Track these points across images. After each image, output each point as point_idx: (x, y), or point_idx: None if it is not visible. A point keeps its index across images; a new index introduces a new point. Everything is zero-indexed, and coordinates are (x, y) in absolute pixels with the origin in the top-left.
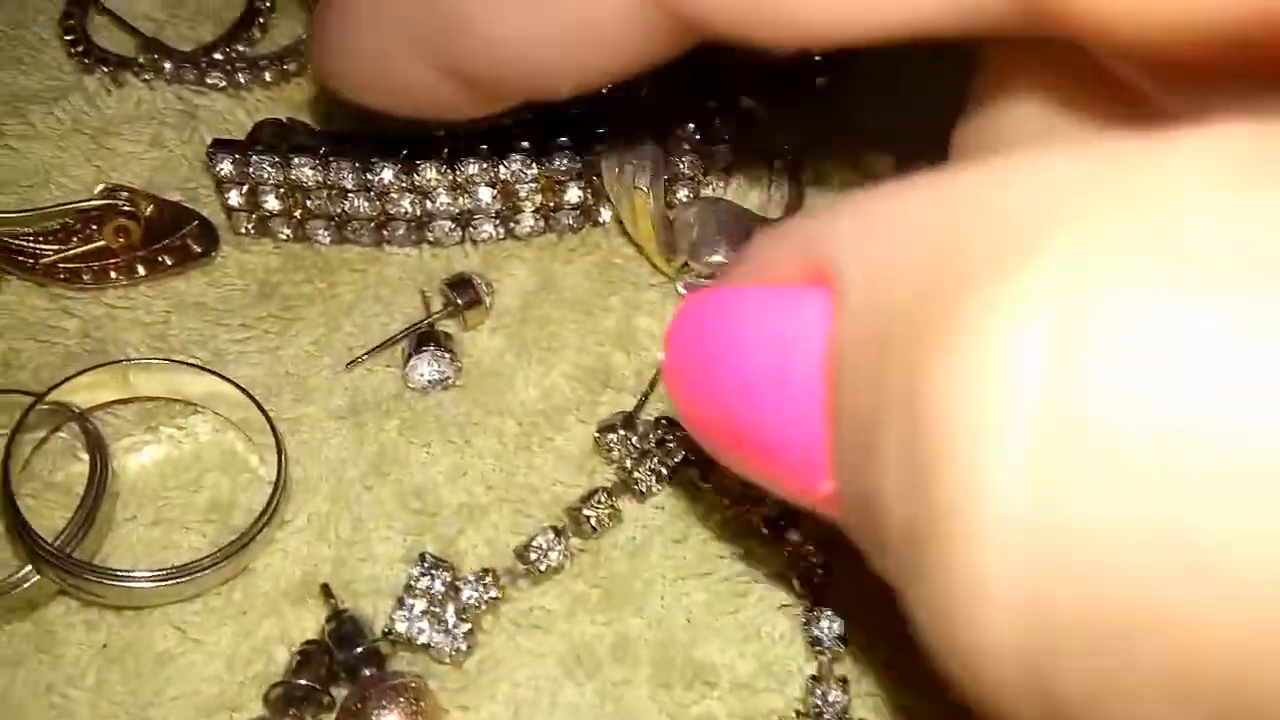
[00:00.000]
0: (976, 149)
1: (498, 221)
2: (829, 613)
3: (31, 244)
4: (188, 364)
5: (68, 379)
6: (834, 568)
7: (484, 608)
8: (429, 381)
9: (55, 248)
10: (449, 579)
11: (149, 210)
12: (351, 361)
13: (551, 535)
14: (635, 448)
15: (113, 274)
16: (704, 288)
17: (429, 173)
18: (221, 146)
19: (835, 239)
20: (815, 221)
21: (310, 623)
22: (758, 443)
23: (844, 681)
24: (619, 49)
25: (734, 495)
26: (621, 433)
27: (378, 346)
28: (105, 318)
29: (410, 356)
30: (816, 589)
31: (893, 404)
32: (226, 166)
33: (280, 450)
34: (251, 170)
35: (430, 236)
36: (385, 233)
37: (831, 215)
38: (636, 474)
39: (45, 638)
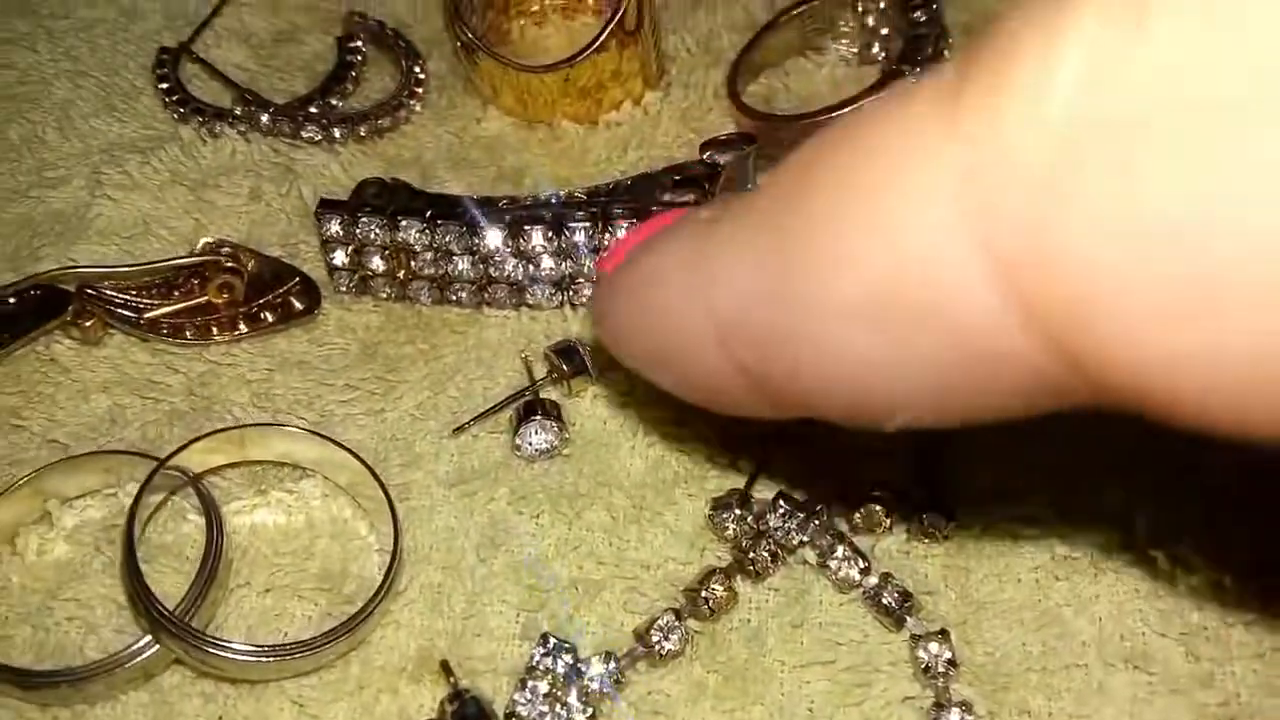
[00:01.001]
0: None
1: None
2: (959, 704)
3: (135, 298)
4: (305, 430)
5: (188, 444)
6: (957, 657)
7: (607, 691)
8: (537, 450)
9: (158, 303)
10: (571, 661)
11: (251, 266)
12: (458, 428)
13: (672, 618)
14: (751, 527)
15: (215, 330)
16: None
17: (535, 238)
18: (329, 207)
19: None
20: None
21: (427, 699)
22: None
23: None
24: (989, 396)
25: (849, 585)
26: (737, 512)
27: (484, 413)
28: (209, 375)
29: (519, 425)
30: (940, 682)
31: None
32: (335, 227)
33: (395, 521)
34: (359, 231)
35: (530, 300)
36: (486, 295)
37: None
38: (752, 554)
39: (162, 709)
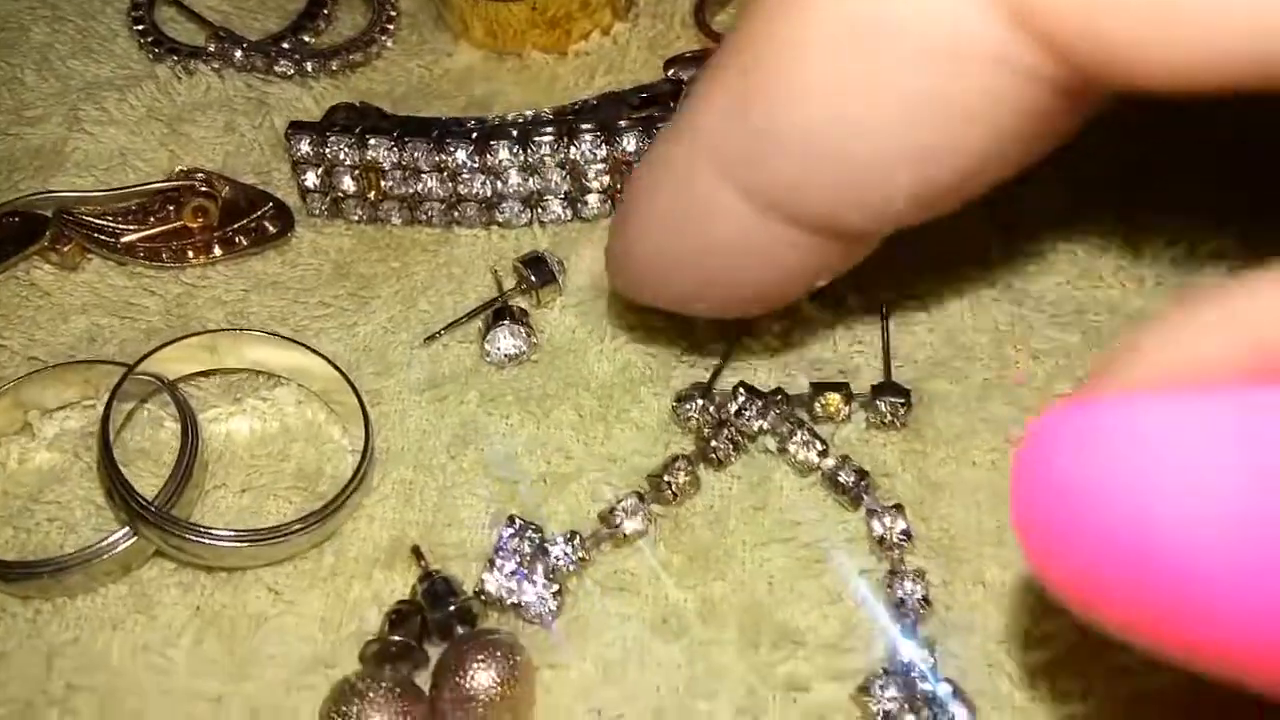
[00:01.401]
0: None
1: (565, 203)
2: (911, 575)
3: (111, 224)
4: (275, 335)
5: (159, 348)
6: (912, 531)
7: (571, 569)
8: (506, 356)
9: (134, 227)
10: (538, 540)
11: (225, 192)
12: (430, 336)
13: (634, 500)
14: (713, 416)
15: (190, 254)
16: (1073, 401)
17: (501, 153)
18: (299, 128)
19: None
20: (1271, 296)
21: (400, 585)
22: (1234, 615)
23: (929, 641)
24: (981, 126)
25: (807, 468)
26: (699, 402)
27: (456, 321)
28: (185, 295)
29: (488, 330)
30: (896, 553)
31: None
32: (304, 147)
33: (366, 418)
34: (329, 151)
35: (500, 217)
36: (456, 213)
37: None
38: (714, 443)
39: (141, 600)
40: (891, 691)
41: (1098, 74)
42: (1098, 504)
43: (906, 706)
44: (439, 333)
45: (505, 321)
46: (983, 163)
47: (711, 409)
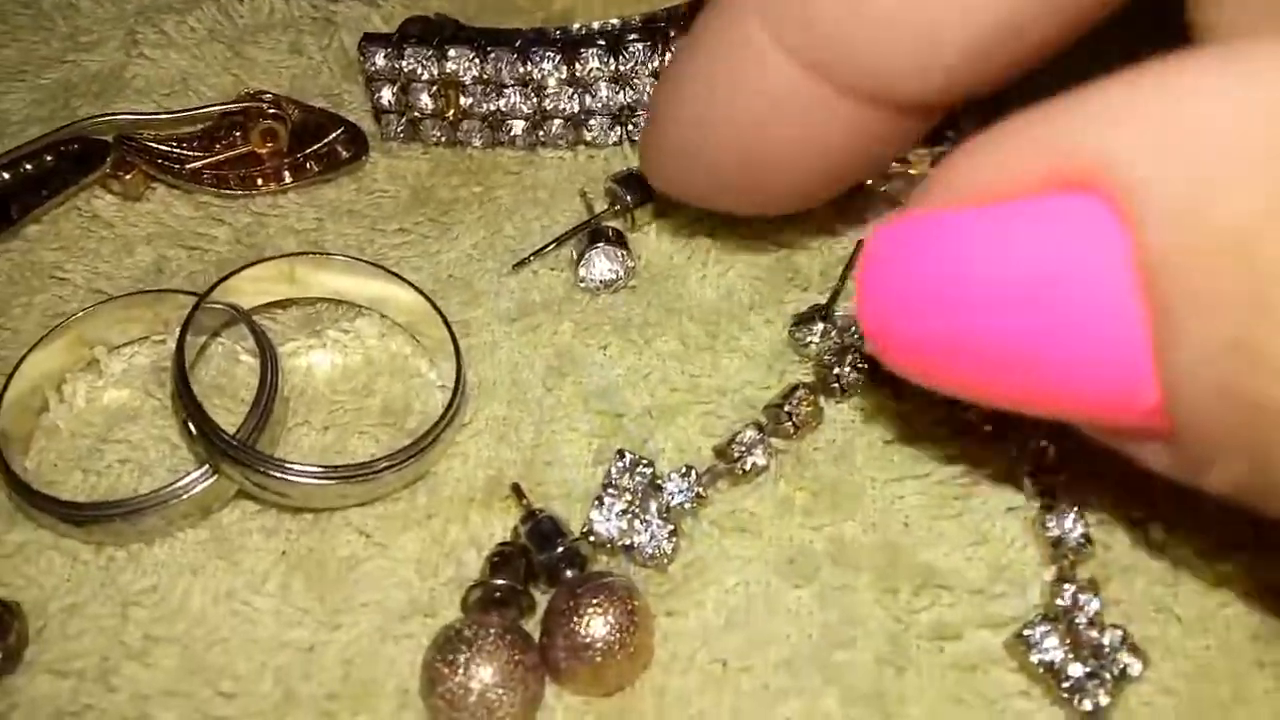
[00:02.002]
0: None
1: None
2: (1070, 513)
3: (176, 150)
4: (360, 260)
5: (232, 274)
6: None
7: (688, 508)
8: (602, 281)
9: (200, 154)
10: (649, 475)
11: (294, 115)
12: (519, 263)
13: (753, 432)
14: (835, 342)
15: (259, 181)
16: (904, 213)
17: (591, 62)
18: (373, 40)
19: (1108, 142)
20: (1059, 123)
21: (499, 527)
22: (1032, 372)
23: (1093, 583)
24: None
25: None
26: (820, 326)
27: (547, 245)
28: (255, 225)
29: (582, 255)
30: (1050, 488)
31: None
32: (379, 60)
33: (457, 349)
34: (405, 64)
35: (588, 135)
36: (541, 133)
37: (1093, 115)
38: (837, 370)
39: (222, 545)
40: (1053, 640)
41: None
42: (913, 293)
43: (1071, 656)
44: (529, 258)
45: (601, 244)
46: (1032, 23)
47: (834, 333)
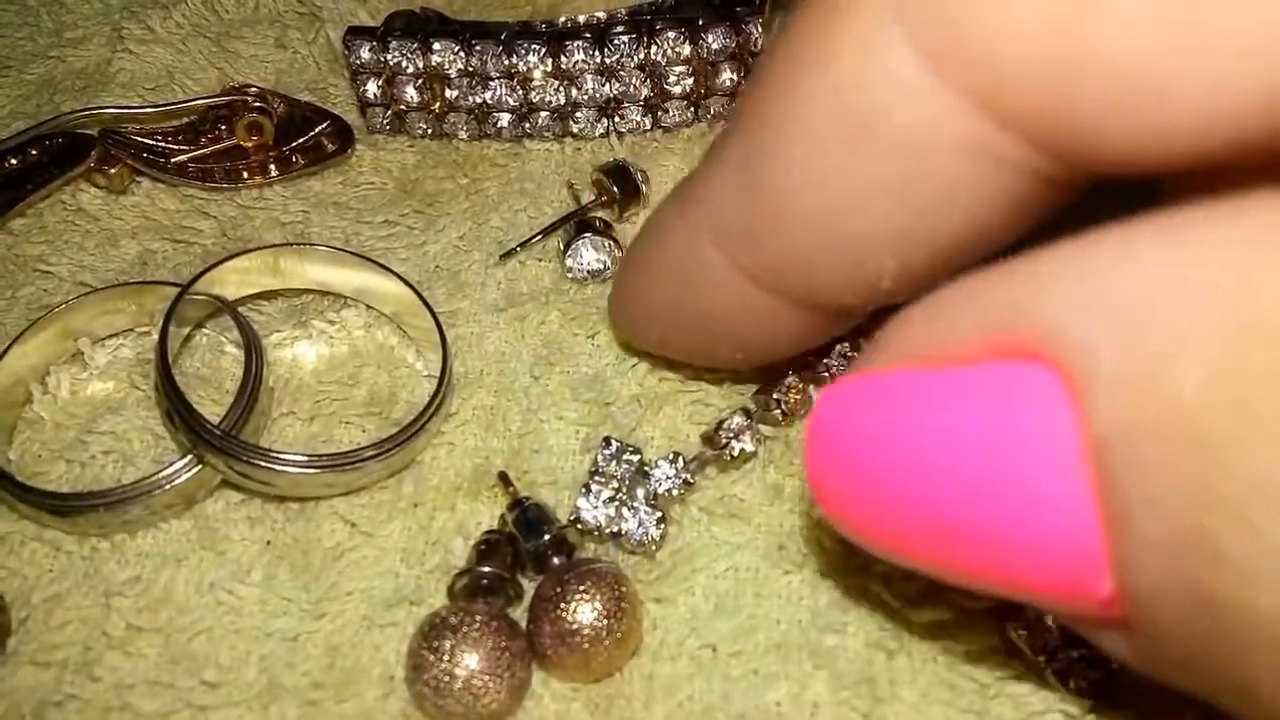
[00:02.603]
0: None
1: (645, 110)
2: None
3: (161, 143)
4: (344, 251)
5: (216, 264)
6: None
7: (675, 494)
8: (589, 271)
9: (185, 147)
10: (636, 462)
11: (280, 108)
12: (506, 253)
13: (741, 418)
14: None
15: (245, 174)
16: (848, 377)
17: (576, 55)
18: (357, 34)
19: (1057, 311)
20: (1007, 290)
21: (487, 516)
22: (986, 548)
23: None
24: (960, 211)
25: None
26: None
27: (535, 235)
28: (241, 217)
29: (570, 244)
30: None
31: (1246, 501)
32: (364, 54)
33: (443, 337)
34: (390, 58)
35: (575, 128)
36: (527, 125)
37: (1041, 282)
38: (826, 359)
39: (207, 534)
40: (1046, 622)
41: (1076, 160)
42: (857, 457)
43: (1064, 643)
44: (516, 249)
45: (588, 234)
46: (965, 244)
47: None
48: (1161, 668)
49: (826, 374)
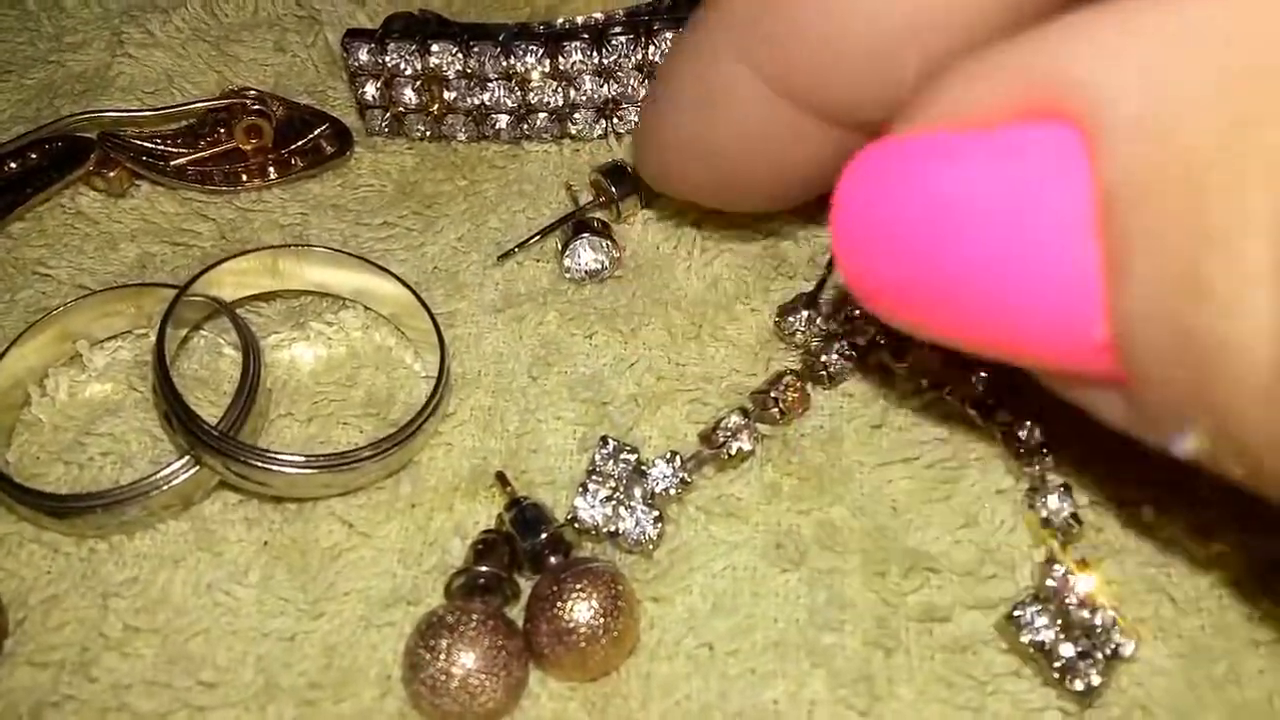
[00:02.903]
0: None
1: None
2: (1058, 489)
3: (160, 147)
4: (342, 252)
5: (213, 265)
6: (1054, 446)
7: (673, 493)
8: (588, 271)
9: (184, 150)
10: (633, 461)
11: (279, 111)
12: (504, 254)
13: (738, 417)
14: (821, 329)
15: (244, 177)
16: (876, 143)
17: (574, 55)
18: (356, 36)
19: (1081, 67)
20: (1035, 49)
21: (484, 516)
22: (991, 305)
23: (1084, 563)
24: None
25: (933, 376)
26: (805, 313)
27: (531, 236)
28: (240, 220)
29: (568, 244)
30: (1038, 468)
31: (1235, 233)
32: (362, 56)
33: (440, 337)
34: (389, 59)
35: (573, 129)
36: (525, 126)
37: (1063, 40)
38: (824, 358)
39: (204, 536)
40: (1043, 620)
41: None
42: (880, 218)
43: (1062, 636)
44: (514, 249)
45: (586, 235)
46: (984, 27)
47: (819, 321)
48: (1148, 423)
49: (824, 372)
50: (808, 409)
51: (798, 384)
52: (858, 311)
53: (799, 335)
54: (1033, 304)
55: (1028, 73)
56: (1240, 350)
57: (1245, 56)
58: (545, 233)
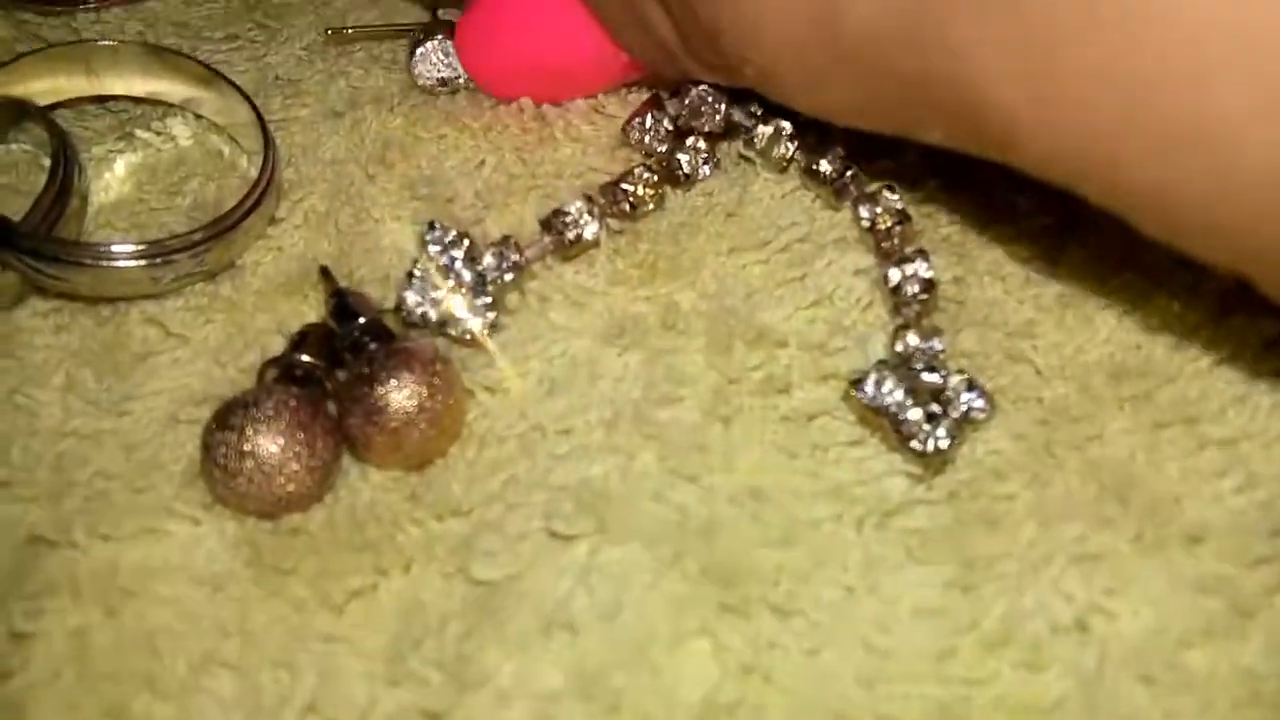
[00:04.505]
0: None
1: None
2: (911, 256)
3: None
4: (163, 49)
5: (12, 60)
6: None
7: (508, 280)
8: (440, 79)
9: None
10: (466, 248)
11: None
12: (334, 29)
13: (582, 204)
14: (669, 131)
15: None
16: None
17: None
18: None
19: None
20: None
21: (312, 317)
22: (571, 64)
23: (935, 330)
24: None
25: (783, 163)
26: (649, 116)
27: (377, 27)
28: (74, 39)
29: (418, 48)
30: (896, 242)
31: None
32: None
33: (265, 129)
34: None
35: None
36: None
37: None
38: (678, 155)
39: (7, 342)
40: (890, 384)
41: None
42: (490, 47)
43: (910, 401)
44: (346, 29)
45: (439, 38)
46: None
47: (665, 122)
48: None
49: (679, 172)
50: (660, 207)
51: (650, 178)
52: (708, 106)
53: (646, 139)
54: (589, 60)
55: None
56: None
57: None
58: (396, 31)
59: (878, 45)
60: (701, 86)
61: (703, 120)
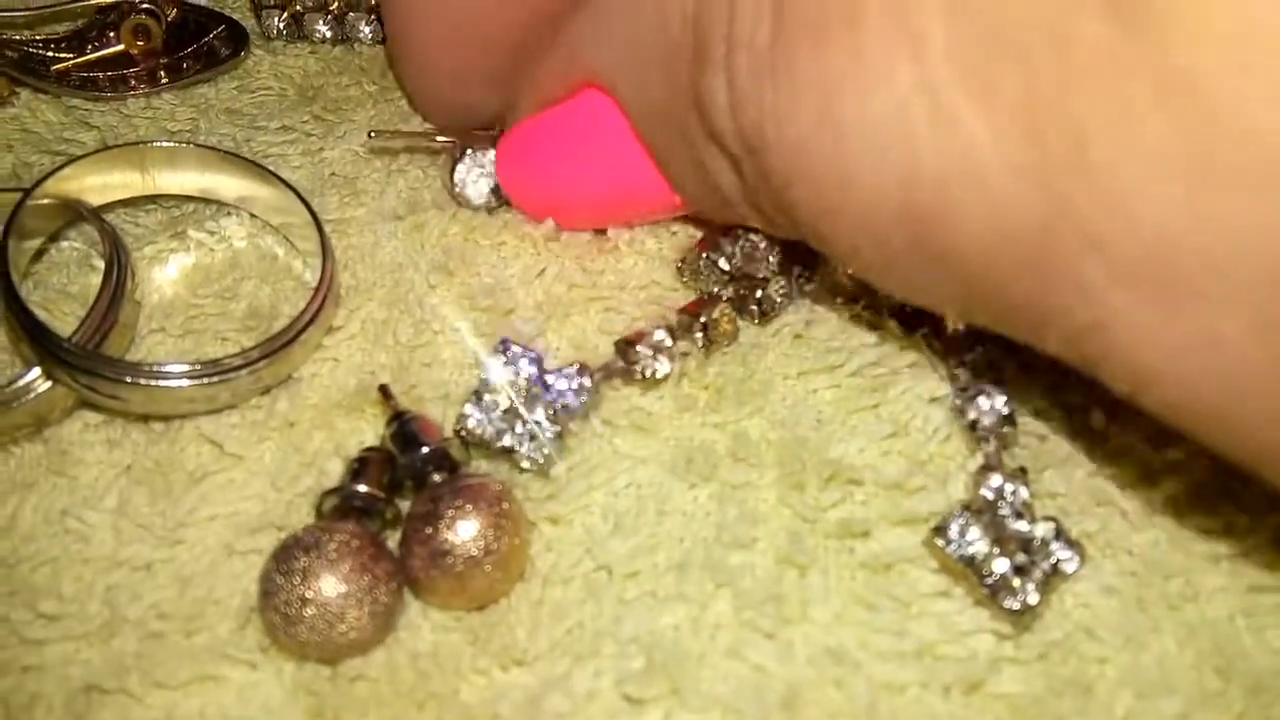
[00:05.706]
0: None
1: None
2: (987, 389)
3: (42, 50)
4: (218, 150)
5: (67, 163)
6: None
7: (578, 407)
8: (491, 189)
9: (69, 54)
10: (535, 372)
11: (170, 12)
12: (378, 132)
13: (665, 335)
14: (722, 271)
15: (132, 82)
16: (515, 128)
17: None
18: None
19: (585, 51)
20: (566, 46)
21: (370, 436)
22: (617, 198)
23: (1022, 472)
24: None
25: (847, 293)
26: (704, 256)
27: (418, 134)
28: (125, 126)
29: (456, 164)
30: (969, 368)
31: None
32: None
33: (324, 240)
34: None
35: None
36: None
37: (575, 27)
38: (759, 292)
39: (59, 459)
40: (975, 532)
41: None
42: (529, 164)
43: (996, 550)
44: (388, 132)
45: (472, 151)
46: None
47: (721, 262)
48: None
49: (756, 307)
50: (734, 342)
51: (732, 315)
52: (759, 250)
53: (698, 279)
54: (634, 191)
55: (564, 70)
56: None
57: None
58: (434, 144)
59: (985, 261)
60: (753, 234)
61: (756, 266)
